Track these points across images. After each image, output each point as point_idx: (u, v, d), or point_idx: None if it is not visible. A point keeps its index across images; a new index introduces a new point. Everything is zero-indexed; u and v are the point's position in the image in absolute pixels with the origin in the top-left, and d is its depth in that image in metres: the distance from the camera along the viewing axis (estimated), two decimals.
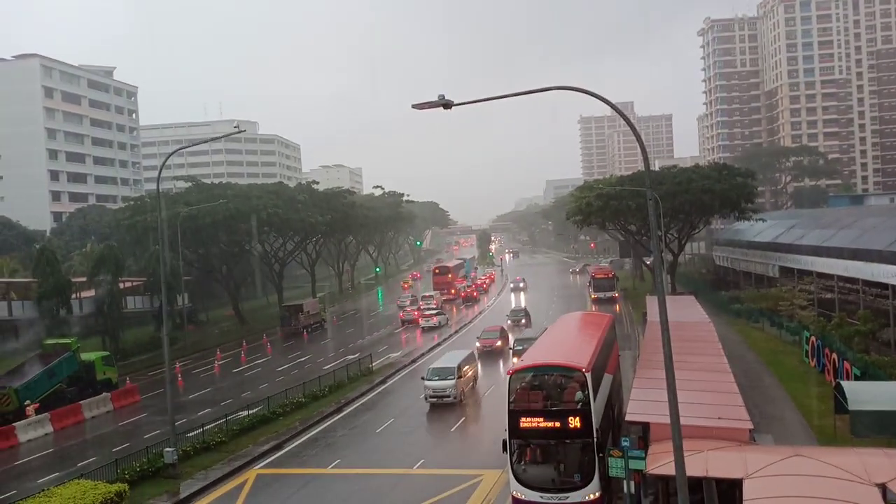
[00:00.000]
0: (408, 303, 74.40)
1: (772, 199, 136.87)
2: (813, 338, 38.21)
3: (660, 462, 17.54)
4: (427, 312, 66.24)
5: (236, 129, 33.25)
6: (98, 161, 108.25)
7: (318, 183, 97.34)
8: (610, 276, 76.02)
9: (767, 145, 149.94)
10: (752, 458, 17.22)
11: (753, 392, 31.47)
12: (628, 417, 20.83)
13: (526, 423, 20.52)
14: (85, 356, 43.51)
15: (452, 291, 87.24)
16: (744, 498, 15.35)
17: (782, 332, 46.63)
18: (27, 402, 37.19)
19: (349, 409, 37.18)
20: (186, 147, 41.00)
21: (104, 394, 41.01)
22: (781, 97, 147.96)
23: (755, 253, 67.80)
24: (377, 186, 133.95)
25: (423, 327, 63.43)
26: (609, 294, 73.29)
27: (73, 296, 55.99)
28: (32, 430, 35.33)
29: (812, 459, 16.82)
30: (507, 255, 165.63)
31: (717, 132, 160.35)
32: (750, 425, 19.63)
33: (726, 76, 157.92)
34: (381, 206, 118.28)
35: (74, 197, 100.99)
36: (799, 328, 43.53)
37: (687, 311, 36.68)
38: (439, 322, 64.05)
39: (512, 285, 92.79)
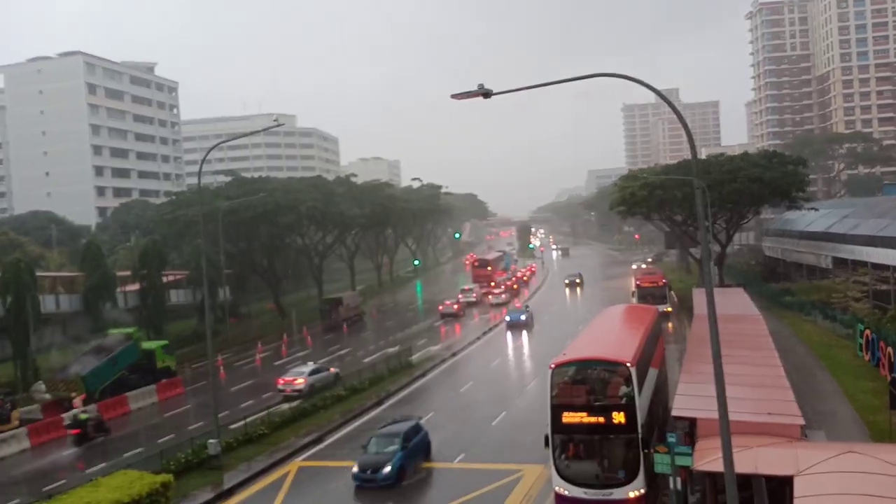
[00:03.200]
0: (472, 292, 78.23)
1: (824, 187, 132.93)
2: (868, 331, 36.81)
3: (707, 458, 16.99)
4: (496, 291, 77.10)
5: (275, 123, 33.36)
6: (141, 156, 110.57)
7: (356, 176, 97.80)
8: (660, 283, 58.96)
9: (819, 132, 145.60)
10: (804, 454, 16.55)
11: (805, 387, 30.42)
12: (674, 413, 20.24)
13: (568, 418, 20.07)
14: (145, 345, 45.40)
15: (492, 284, 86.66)
16: (795, 495, 14.75)
17: (835, 325, 45.10)
18: (93, 388, 38.85)
19: (389, 402, 37.13)
20: (226, 141, 41.21)
21: (150, 385, 41.86)
22: (833, 81, 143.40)
23: (807, 243, 65.86)
24: (415, 178, 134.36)
25: (492, 303, 73.56)
26: (660, 308, 48.06)
27: (119, 289, 57.16)
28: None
29: (866, 456, 16.10)
30: (553, 251, 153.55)
31: (766, 118, 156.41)
32: (801, 421, 18.88)
33: (776, 60, 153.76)
34: (419, 198, 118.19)
35: (118, 192, 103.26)
36: (853, 321, 42.03)
37: (736, 304, 35.65)
38: (505, 299, 74.80)
39: (567, 280, 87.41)
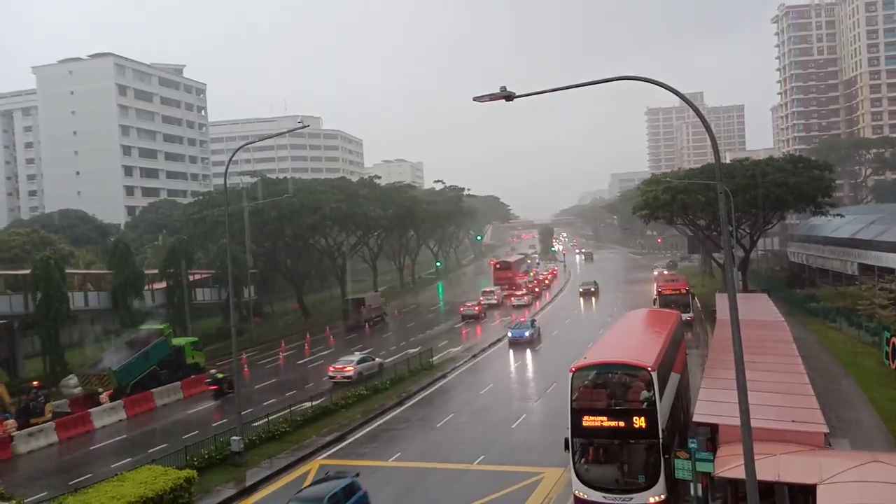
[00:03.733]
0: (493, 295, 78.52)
1: (850, 193, 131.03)
2: (894, 338, 36.31)
3: (729, 465, 16.94)
4: (518, 293, 78.31)
5: (300, 125, 33.76)
6: (169, 157, 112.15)
7: (379, 177, 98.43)
8: (683, 290, 55.56)
9: (846, 136, 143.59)
10: (827, 463, 16.43)
11: (829, 394, 30.11)
12: (696, 418, 20.15)
13: (589, 421, 20.08)
14: (175, 341, 46.27)
15: (514, 286, 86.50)
16: None
17: (861, 332, 44.50)
18: (124, 382, 39.93)
19: (410, 403, 37.33)
20: (253, 142, 41.76)
21: (176, 382, 42.49)
22: (861, 86, 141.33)
23: (832, 249, 65.06)
24: (438, 181, 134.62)
25: (515, 305, 74.24)
26: (683, 317, 43.46)
27: (146, 287, 58.04)
28: (107, 416, 36.81)
29: (892, 466, 15.95)
30: (576, 255, 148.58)
31: (792, 123, 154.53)
32: (825, 429, 18.74)
33: (802, 65, 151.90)
34: (441, 200, 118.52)
35: (147, 192, 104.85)
36: (879, 328, 41.44)
37: (759, 310, 35.38)
38: (528, 301, 75.76)
39: (582, 289, 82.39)
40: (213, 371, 43.18)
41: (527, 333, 53.04)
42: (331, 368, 43.27)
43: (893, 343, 36.03)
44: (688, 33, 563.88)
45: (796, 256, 79.15)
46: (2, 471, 29.49)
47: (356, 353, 46.17)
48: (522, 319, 59.27)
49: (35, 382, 38.81)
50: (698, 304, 58.86)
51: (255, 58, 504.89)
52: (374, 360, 45.23)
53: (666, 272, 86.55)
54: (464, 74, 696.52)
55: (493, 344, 53.40)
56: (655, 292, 59.08)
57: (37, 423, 34.24)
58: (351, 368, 42.43)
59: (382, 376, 42.19)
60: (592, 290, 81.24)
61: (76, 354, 51.26)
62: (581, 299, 78.59)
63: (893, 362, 35.72)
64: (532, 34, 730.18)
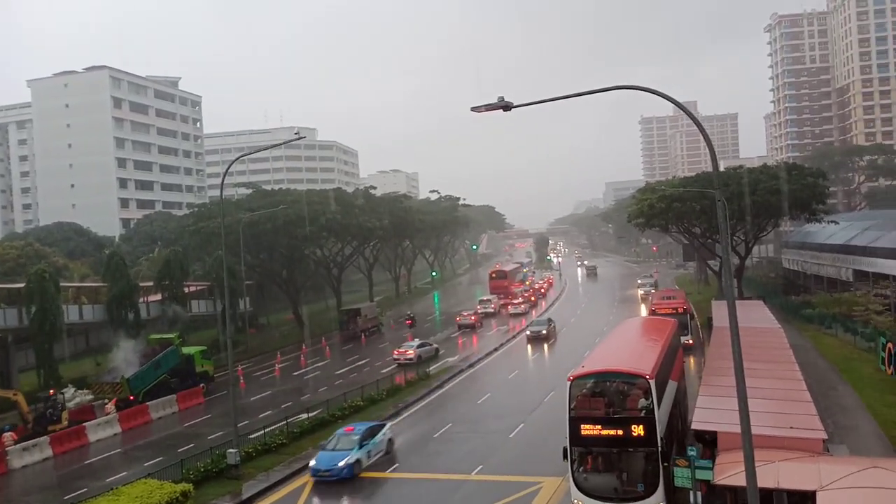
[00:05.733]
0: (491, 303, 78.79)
1: (844, 199, 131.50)
2: (890, 344, 36.35)
3: (728, 473, 16.93)
4: (515, 302, 78.52)
5: (297, 136, 33.67)
6: (164, 169, 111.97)
7: (375, 188, 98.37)
8: (681, 310, 47.01)
9: (839, 144, 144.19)
10: (827, 469, 16.45)
11: (826, 401, 30.15)
12: (694, 426, 20.14)
13: (587, 430, 20.04)
14: (185, 350, 46.98)
15: (510, 296, 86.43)
16: None
17: (856, 338, 44.60)
18: (136, 390, 40.88)
19: (407, 413, 37.20)
20: (248, 154, 41.90)
21: (172, 395, 42.39)
22: (854, 94, 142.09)
23: (827, 256, 65.26)
24: (433, 191, 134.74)
25: (511, 313, 74.85)
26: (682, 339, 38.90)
27: (141, 300, 57.84)
28: (102, 429, 36.57)
29: (891, 471, 15.99)
30: (578, 269, 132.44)
31: (785, 131, 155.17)
32: (824, 435, 18.76)
33: (795, 73, 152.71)
34: (437, 210, 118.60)
35: (142, 204, 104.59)
36: (875, 334, 41.55)
37: (755, 317, 35.45)
38: (524, 309, 76.21)
39: (530, 332, 58.22)
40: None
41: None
42: (395, 352, 51.26)
43: (889, 349, 36.08)
44: (681, 44, 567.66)
45: (791, 263, 79.35)
46: None
47: (416, 339, 54.35)
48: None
49: (51, 391, 38.92)
50: (698, 325, 52.45)
51: (250, 70, 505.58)
52: (431, 345, 53.15)
53: (654, 290, 75.24)
54: (461, 87, 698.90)
55: (490, 353, 53.30)
56: (649, 311, 52.35)
57: (55, 431, 34.71)
58: (412, 352, 50.07)
59: (437, 359, 50.53)
60: (544, 332, 57.14)
61: (70, 368, 51.03)
62: (530, 346, 55.75)
63: (889, 368, 35.76)
64: (526, 50, 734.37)
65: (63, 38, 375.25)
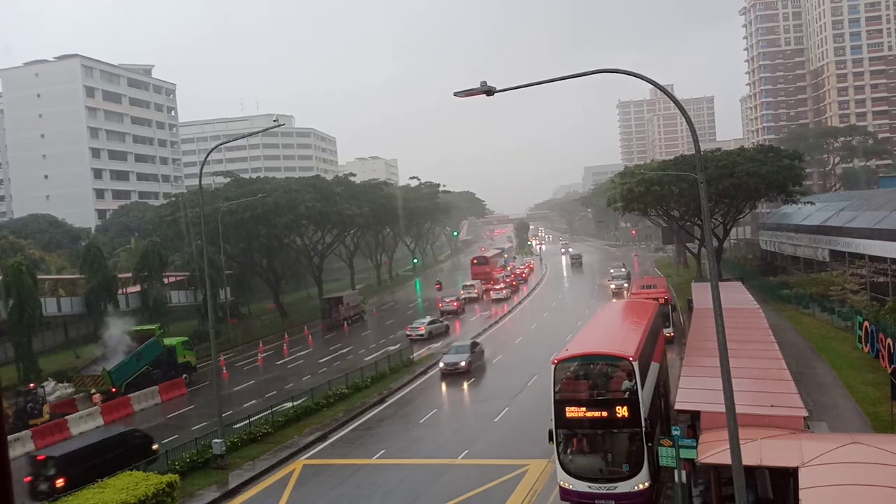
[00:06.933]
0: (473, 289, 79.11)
1: (820, 181, 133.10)
2: (866, 323, 37.03)
3: (711, 451, 17.14)
4: (497, 287, 79.13)
5: (275, 123, 33.38)
6: (139, 158, 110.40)
7: (354, 175, 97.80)
8: (662, 300, 41.03)
9: (814, 126, 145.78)
10: (808, 446, 16.70)
11: (805, 379, 30.63)
12: (677, 406, 20.41)
13: (572, 412, 20.22)
14: (167, 341, 46.51)
15: (491, 282, 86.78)
16: (800, 486, 14.90)
17: (833, 317, 45.31)
18: (118, 382, 40.49)
19: (392, 400, 37.27)
20: (226, 143, 41.42)
21: (154, 387, 42.06)
22: (828, 76, 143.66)
23: (803, 237, 66.06)
24: (413, 177, 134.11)
25: (494, 298, 75.35)
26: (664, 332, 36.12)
27: (120, 291, 57.24)
28: (84, 422, 36.20)
29: (870, 447, 16.26)
30: (562, 256, 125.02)
31: (761, 113, 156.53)
32: (804, 413, 19.07)
33: (770, 56, 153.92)
34: (417, 197, 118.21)
35: (118, 194, 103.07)
36: (851, 313, 42.24)
37: (735, 298, 35.83)
38: (506, 294, 76.75)
39: (443, 365, 42.45)
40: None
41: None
42: (408, 328, 54.98)
43: (866, 327, 36.73)
44: (656, 28, 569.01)
45: (768, 244, 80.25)
46: None
47: (428, 316, 57.93)
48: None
49: (31, 385, 38.43)
50: (681, 317, 48.97)
51: (226, 57, 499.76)
52: (442, 322, 57.85)
53: (627, 284, 67.75)
54: (438, 72, 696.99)
55: (474, 339, 53.39)
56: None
57: (35, 425, 34.00)
58: (423, 328, 53.85)
59: (447, 336, 54.21)
60: (462, 365, 41.37)
61: (49, 361, 50.44)
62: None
63: (866, 346, 36.41)
64: (510, 33, 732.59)
65: (33, 28, 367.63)
